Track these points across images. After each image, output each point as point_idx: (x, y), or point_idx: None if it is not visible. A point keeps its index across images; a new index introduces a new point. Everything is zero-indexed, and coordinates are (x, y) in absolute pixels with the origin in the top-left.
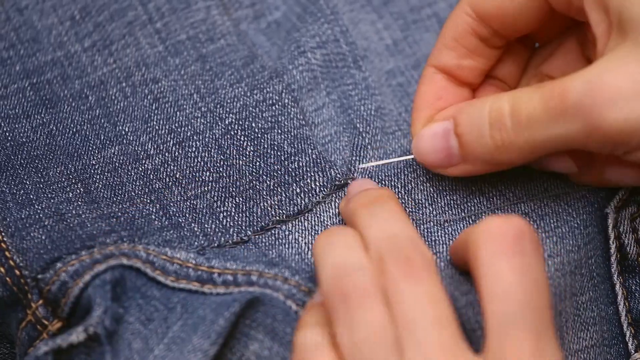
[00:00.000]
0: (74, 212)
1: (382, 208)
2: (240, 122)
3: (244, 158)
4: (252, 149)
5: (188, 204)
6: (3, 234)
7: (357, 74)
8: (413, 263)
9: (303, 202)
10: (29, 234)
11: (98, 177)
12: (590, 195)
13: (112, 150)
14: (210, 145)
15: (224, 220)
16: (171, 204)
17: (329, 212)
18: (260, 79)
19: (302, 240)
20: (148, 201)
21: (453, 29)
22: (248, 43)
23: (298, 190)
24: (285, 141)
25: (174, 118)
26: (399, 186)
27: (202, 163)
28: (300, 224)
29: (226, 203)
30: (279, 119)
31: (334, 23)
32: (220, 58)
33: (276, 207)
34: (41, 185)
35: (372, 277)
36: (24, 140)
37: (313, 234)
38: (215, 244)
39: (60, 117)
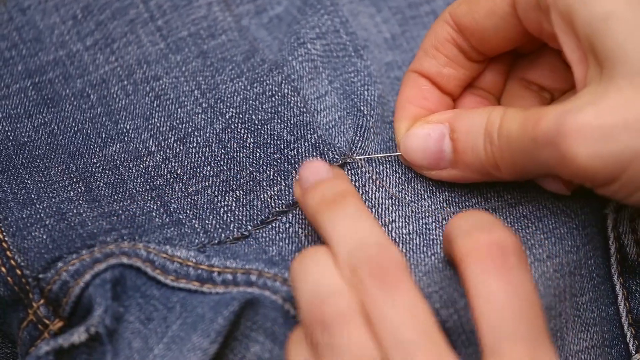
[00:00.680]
0: (75, 211)
1: (344, 209)
2: (241, 116)
3: (244, 150)
4: (252, 140)
5: (189, 200)
6: (4, 233)
7: (358, 62)
8: (387, 271)
9: None
10: (30, 234)
11: (99, 175)
12: (589, 195)
13: (114, 148)
14: (211, 140)
15: (225, 216)
16: (172, 201)
17: None
18: (260, 72)
19: (301, 233)
20: (149, 198)
21: (434, 37)
22: (249, 38)
23: (297, 177)
24: (285, 129)
25: (175, 115)
26: (400, 172)
27: (202, 158)
28: (300, 214)
29: (227, 197)
30: (279, 109)
31: (334, 14)
32: (222, 54)
33: (276, 197)
34: (42, 185)
35: (348, 297)
36: (25, 139)
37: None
38: (216, 241)
39: (62, 116)
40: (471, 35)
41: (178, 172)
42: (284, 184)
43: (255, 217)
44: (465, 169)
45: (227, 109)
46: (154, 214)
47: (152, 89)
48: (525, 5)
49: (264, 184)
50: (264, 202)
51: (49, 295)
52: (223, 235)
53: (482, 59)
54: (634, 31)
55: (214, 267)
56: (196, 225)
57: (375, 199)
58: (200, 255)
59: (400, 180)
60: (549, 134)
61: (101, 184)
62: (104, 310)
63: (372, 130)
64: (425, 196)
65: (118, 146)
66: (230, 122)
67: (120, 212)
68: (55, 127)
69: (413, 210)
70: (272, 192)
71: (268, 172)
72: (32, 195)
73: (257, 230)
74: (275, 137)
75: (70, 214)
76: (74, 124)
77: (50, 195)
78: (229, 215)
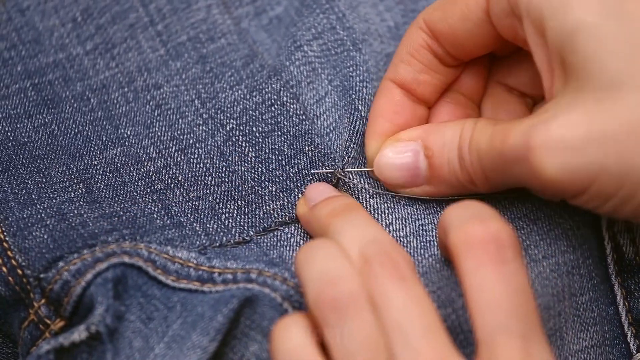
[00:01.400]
0: (75, 211)
1: (356, 215)
2: (241, 128)
3: (246, 164)
4: (253, 154)
5: (190, 204)
6: (5, 233)
7: (357, 56)
8: (398, 265)
9: None
10: (31, 234)
11: (100, 177)
12: None
13: (114, 152)
14: (212, 153)
15: (226, 221)
16: (173, 204)
17: None
18: (259, 79)
19: (303, 243)
20: (150, 201)
21: (409, 43)
22: (249, 41)
23: (300, 195)
24: (285, 143)
25: (176, 125)
26: None
27: (204, 169)
28: (302, 227)
29: (228, 205)
30: (279, 119)
31: (330, 11)
32: (221, 58)
33: (279, 210)
34: (43, 185)
35: (358, 283)
36: (25, 140)
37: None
38: (217, 244)
39: (62, 118)
40: (445, 41)
41: (179, 179)
42: (286, 200)
43: (257, 225)
44: (441, 185)
45: (228, 120)
46: (155, 215)
47: (152, 98)
48: (499, 12)
49: (266, 198)
50: (266, 213)
51: (50, 295)
52: (224, 238)
53: (457, 64)
54: (602, 45)
55: (214, 268)
56: (197, 228)
57: (371, 205)
58: (201, 256)
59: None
60: (517, 150)
61: (102, 186)
62: (105, 309)
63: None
64: (421, 198)
65: (118, 150)
66: (231, 134)
67: (121, 213)
68: (56, 128)
69: (409, 212)
70: (275, 206)
71: (270, 188)
72: (33, 196)
73: (259, 237)
74: (277, 152)
75: (71, 214)
76: (74, 126)
77: (51, 195)
78: (231, 221)
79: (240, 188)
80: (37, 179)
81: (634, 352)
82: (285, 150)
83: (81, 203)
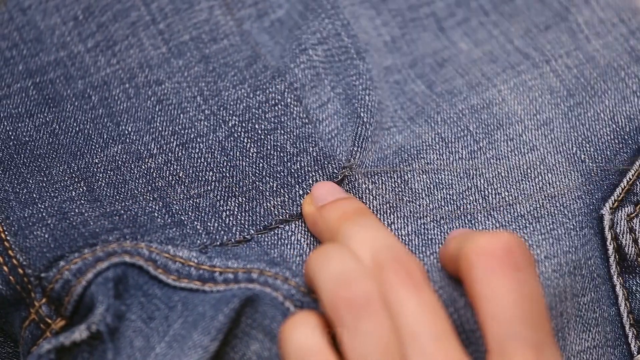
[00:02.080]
0: (76, 210)
1: (366, 220)
2: (244, 124)
3: (247, 159)
4: (255, 150)
5: (191, 202)
6: (6, 232)
7: (360, 64)
8: (411, 272)
9: None
10: (32, 233)
11: (101, 175)
12: (586, 197)
13: (115, 149)
14: (213, 148)
15: (227, 219)
16: (174, 202)
17: None
18: (262, 80)
19: (304, 242)
20: (151, 199)
21: None
22: (251, 43)
23: (301, 192)
24: (288, 141)
25: (177, 120)
26: (395, 177)
27: (205, 164)
28: (302, 225)
29: (229, 202)
30: (282, 119)
31: (335, 17)
32: (224, 59)
33: (279, 207)
34: (44, 184)
35: (374, 285)
36: (27, 139)
37: (315, 235)
38: (218, 243)
39: (63, 116)
40: None
41: (180, 175)
42: (287, 196)
43: (258, 223)
44: None
45: (230, 117)
46: (156, 214)
47: (154, 93)
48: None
49: (267, 194)
50: (267, 210)
51: (51, 294)
52: (225, 237)
53: None
54: None
55: (215, 267)
56: (198, 227)
57: (374, 206)
58: (202, 255)
59: (397, 183)
60: None
61: (103, 184)
62: (105, 308)
63: (370, 139)
64: (424, 194)
65: (119, 147)
66: (233, 130)
67: (122, 212)
68: (57, 127)
69: (411, 210)
70: (276, 202)
71: (271, 184)
72: (34, 195)
73: (260, 235)
74: (279, 149)
75: (72, 213)
76: (75, 124)
77: (52, 194)
78: (232, 219)
79: (241, 183)
80: (38, 178)
81: (635, 353)
82: (288, 147)
83: (82, 202)
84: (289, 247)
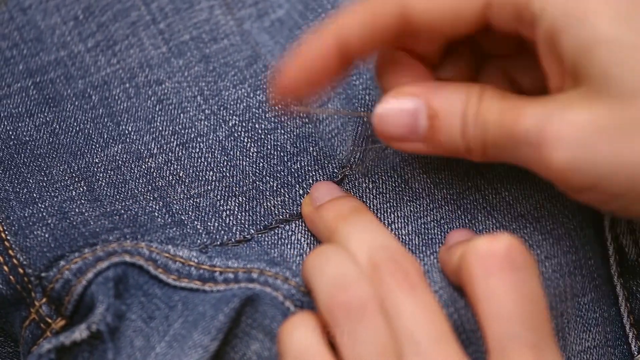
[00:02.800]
0: (77, 210)
1: (364, 219)
2: (244, 124)
3: (247, 159)
4: (255, 150)
5: (191, 202)
6: (6, 232)
7: (360, 64)
8: (408, 273)
9: None
10: (32, 232)
11: (101, 175)
12: None
13: (115, 149)
14: (214, 147)
15: (227, 219)
16: (174, 202)
17: None
18: (263, 79)
19: (304, 241)
20: (151, 198)
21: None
22: (251, 42)
23: (301, 191)
24: (288, 141)
25: (177, 120)
26: (395, 176)
27: (205, 163)
28: (303, 224)
29: (229, 202)
30: (282, 119)
31: None
32: (224, 58)
33: (279, 206)
34: (44, 184)
35: (370, 288)
36: (27, 138)
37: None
38: (218, 242)
39: (64, 116)
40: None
41: (180, 175)
42: (287, 196)
43: (258, 222)
44: (436, 147)
45: (230, 117)
46: (156, 214)
47: (154, 93)
48: (504, 16)
49: (267, 193)
50: (267, 210)
51: (51, 294)
52: (225, 237)
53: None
54: (619, 60)
55: (215, 267)
56: (198, 227)
57: (374, 205)
58: (202, 255)
59: (397, 182)
60: (529, 135)
61: (103, 184)
62: (105, 307)
63: (370, 138)
64: (424, 194)
65: (120, 147)
66: (233, 129)
67: (123, 211)
68: (57, 127)
69: (411, 209)
70: (276, 202)
71: (271, 183)
72: (34, 194)
73: (260, 235)
74: (279, 149)
75: (72, 213)
76: (75, 124)
77: (52, 194)
78: (232, 219)
79: (241, 183)
80: (39, 178)
81: (635, 353)
82: (288, 147)
83: (82, 201)
84: (289, 246)
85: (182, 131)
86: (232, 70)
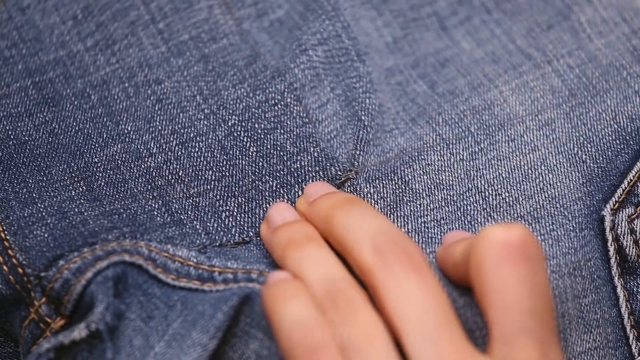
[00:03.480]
0: (76, 210)
1: (359, 207)
2: (243, 124)
3: (247, 158)
4: (254, 149)
5: (190, 201)
6: (6, 232)
7: (360, 67)
8: (413, 257)
9: None
10: (32, 232)
11: (100, 174)
12: (587, 198)
13: (115, 149)
14: (213, 147)
15: (226, 220)
16: (173, 201)
17: None
18: (262, 79)
19: None
20: (150, 197)
21: None
22: (251, 42)
23: (300, 192)
24: (288, 141)
25: (177, 119)
26: (396, 179)
27: (204, 163)
28: None
29: (229, 202)
30: (282, 119)
31: (335, 19)
32: (223, 58)
33: None
34: (44, 184)
35: (329, 331)
36: (26, 138)
37: None
38: (217, 243)
39: (63, 116)
40: None
41: (180, 174)
42: (286, 197)
43: (257, 225)
44: None
45: (230, 116)
46: (155, 213)
47: (153, 92)
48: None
49: (267, 194)
50: (266, 212)
51: (50, 294)
52: (224, 238)
53: None
54: None
55: (214, 267)
56: (198, 227)
57: (373, 205)
58: (201, 255)
59: (397, 184)
60: None
61: (102, 183)
62: (105, 307)
63: (371, 142)
64: (424, 194)
65: (119, 146)
66: (232, 129)
67: (122, 210)
68: (56, 127)
69: (411, 209)
70: (275, 202)
71: (271, 183)
72: (34, 194)
73: (258, 238)
74: (279, 148)
75: (72, 212)
76: (74, 124)
77: (52, 194)
78: (231, 220)
79: (240, 183)
80: (38, 178)
81: (636, 354)
82: (288, 147)
83: (82, 201)
84: None
85: (182, 130)
86: (232, 69)
